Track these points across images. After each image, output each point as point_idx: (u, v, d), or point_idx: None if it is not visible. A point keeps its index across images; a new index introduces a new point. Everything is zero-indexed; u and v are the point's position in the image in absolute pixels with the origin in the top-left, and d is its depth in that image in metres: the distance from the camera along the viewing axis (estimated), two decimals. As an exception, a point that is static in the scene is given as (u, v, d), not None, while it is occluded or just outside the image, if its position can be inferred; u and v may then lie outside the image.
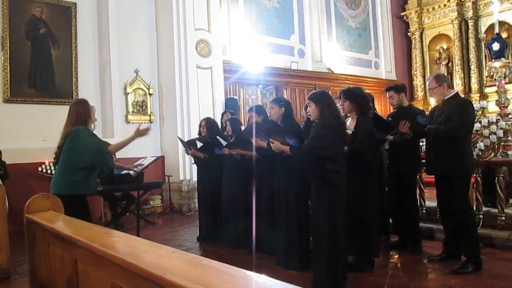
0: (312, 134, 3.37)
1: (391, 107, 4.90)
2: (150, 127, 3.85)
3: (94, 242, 1.58)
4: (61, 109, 6.87)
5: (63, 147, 3.54)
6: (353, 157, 3.66)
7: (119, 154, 7.32)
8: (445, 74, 10.11)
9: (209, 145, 5.26)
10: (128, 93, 8.42)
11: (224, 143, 4.86)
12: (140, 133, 3.69)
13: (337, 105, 3.70)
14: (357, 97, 3.90)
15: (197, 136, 5.74)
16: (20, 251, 3.34)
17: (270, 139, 3.56)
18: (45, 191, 2.89)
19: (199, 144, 5.42)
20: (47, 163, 7.06)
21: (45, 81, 7.52)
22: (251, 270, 1.04)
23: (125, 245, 1.54)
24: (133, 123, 8.43)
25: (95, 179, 3.68)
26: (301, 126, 4.45)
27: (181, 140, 6.22)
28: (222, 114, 6.35)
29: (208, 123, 5.55)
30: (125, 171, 4.98)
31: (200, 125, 5.63)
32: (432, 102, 11.20)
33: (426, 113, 4.86)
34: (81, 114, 3.58)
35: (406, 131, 4.07)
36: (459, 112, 3.68)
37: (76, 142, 3.49)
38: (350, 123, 3.90)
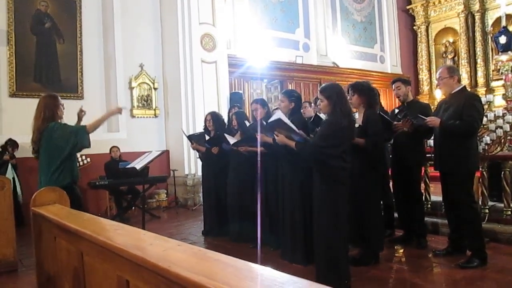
0: (319, 132, 3.35)
1: (397, 100, 4.88)
2: (125, 107, 3.95)
3: (100, 235, 1.59)
4: (66, 104, 6.87)
5: (40, 144, 3.59)
6: (360, 151, 3.65)
7: (124, 149, 7.39)
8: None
9: (216, 139, 5.27)
10: (133, 88, 8.43)
11: (230, 139, 4.85)
12: (113, 112, 3.90)
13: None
14: (366, 91, 3.88)
15: (202, 130, 5.75)
16: (27, 243, 3.37)
17: (275, 132, 3.54)
18: (51, 184, 2.91)
19: (206, 137, 5.45)
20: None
21: (50, 75, 7.54)
22: (256, 264, 1.04)
23: (131, 238, 1.55)
24: (138, 117, 8.46)
25: (76, 165, 3.76)
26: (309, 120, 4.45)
27: (184, 133, 6.26)
28: (230, 109, 6.36)
29: (214, 116, 5.55)
30: (130, 165, 5.01)
31: (205, 119, 5.63)
32: (438, 96, 11.16)
33: (432, 106, 4.84)
34: (48, 108, 3.62)
35: (408, 128, 4.09)
36: (470, 107, 3.65)
37: (53, 138, 3.54)
38: (357, 116, 3.89)
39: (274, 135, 3.55)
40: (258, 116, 4.67)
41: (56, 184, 3.42)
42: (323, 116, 4.61)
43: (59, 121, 3.69)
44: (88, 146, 3.66)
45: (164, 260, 1.13)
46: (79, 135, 3.56)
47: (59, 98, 3.78)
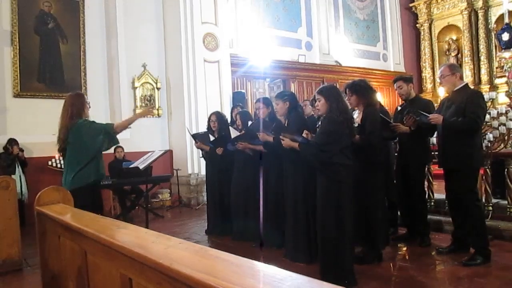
0: (320, 130, 3.39)
1: (399, 99, 4.87)
2: (154, 107, 3.96)
3: (103, 234, 1.60)
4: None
5: (66, 141, 3.58)
6: (360, 149, 3.65)
7: (127, 149, 7.40)
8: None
9: (221, 139, 5.27)
10: (136, 88, 8.46)
11: (234, 135, 4.86)
12: (144, 112, 3.81)
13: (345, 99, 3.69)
14: (363, 90, 3.88)
15: (206, 130, 5.75)
16: (31, 243, 3.39)
17: (281, 136, 3.58)
18: (55, 184, 2.92)
19: (211, 137, 5.45)
20: (57, 157, 7.15)
21: (54, 75, 7.58)
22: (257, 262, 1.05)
23: (133, 236, 1.56)
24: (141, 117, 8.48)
25: (103, 164, 3.74)
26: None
27: (188, 131, 6.27)
28: (233, 108, 6.36)
29: (219, 116, 5.56)
30: (133, 165, 5.03)
31: (209, 119, 5.62)
32: (441, 94, 11.12)
33: (435, 104, 4.82)
34: (74, 106, 3.63)
35: (411, 124, 4.08)
36: (473, 104, 3.64)
37: (80, 135, 3.53)
38: (356, 115, 3.89)
39: (280, 139, 3.59)
40: (261, 115, 4.68)
41: (80, 182, 3.45)
42: None
43: (86, 119, 3.72)
44: (117, 142, 3.67)
45: (166, 258, 1.14)
46: (108, 133, 3.57)
47: (85, 96, 3.83)
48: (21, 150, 6.61)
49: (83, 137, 3.53)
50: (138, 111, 8.42)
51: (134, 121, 3.84)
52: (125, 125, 3.74)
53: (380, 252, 3.93)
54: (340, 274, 3.28)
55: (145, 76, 8.57)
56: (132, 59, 8.35)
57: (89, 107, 3.77)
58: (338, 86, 3.99)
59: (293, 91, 9.20)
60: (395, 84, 4.58)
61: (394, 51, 13.32)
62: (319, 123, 3.54)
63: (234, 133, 4.90)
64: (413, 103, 4.41)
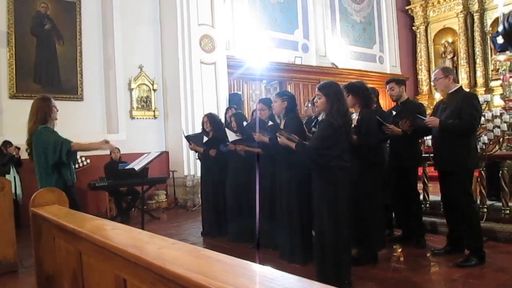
0: (317, 134, 3.36)
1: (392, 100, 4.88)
2: (113, 147, 3.96)
3: (97, 235, 1.60)
4: (66, 105, 6.92)
5: (32, 146, 3.65)
6: (357, 150, 3.66)
7: (123, 150, 7.39)
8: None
9: (214, 140, 5.27)
10: (133, 89, 8.46)
11: (231, 137, 4.86)
12: (105, 145, 3.83)
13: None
14: (360, 90, 3.90)
15: (201, 131, 5.75)
16: (26, 244, 3.38)
17: (277, 133, 3.58)
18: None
19: (204, 139, 5.45)
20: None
21: (50, 77, 7.57)
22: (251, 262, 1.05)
23: (127, 237, 1.56)
24: (137, 119, 8.48)
25: (71, 171, 3.76)
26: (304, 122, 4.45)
27: (183, 133, 6.28)
28: (227, 110, 6.35)
29: (211, 118, 5.54)
30: (129, 166, 5.02)
31: (203, 121, 5.62)
32: (437, 96, 11.17)
33: (428, 107, 4.85)
34: (40, 110, 3.65)
35: (407, 129, 4.10)
36: (468, 106, 3.67)
37: (40, 143, 3.59)
38: (354, 116, 3.90)
39: (277, 136, 3.58)
40: (262, 116, 4.65)
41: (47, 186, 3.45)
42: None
43: (52, 122, 3.73)
44: (65, 161, 3.62)
45: (159, 258, 1.15)
46: (63, 149, 3.56)
47: (52, 100, 3.81)
48: (18, 148, 6.58)
49: (42, 144, 3.57)
50: (134, 112, 8.43)
51: (93, 149, 3.83)
52: (84, 148, 3.75)
53: (376, 254, 3.94)
54: (337, 276, 3.28)
55: (142, 77, 8.57)
56: (129, 61, 8.35)
57: (57, 110, 3.78)
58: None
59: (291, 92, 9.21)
60: (387, 85, 4.61)
61: (390, 54, 13.37)
62: (313, 123, 3.52)
63: (230, 134, 4.90)
64: (405, 106, 4.44)
